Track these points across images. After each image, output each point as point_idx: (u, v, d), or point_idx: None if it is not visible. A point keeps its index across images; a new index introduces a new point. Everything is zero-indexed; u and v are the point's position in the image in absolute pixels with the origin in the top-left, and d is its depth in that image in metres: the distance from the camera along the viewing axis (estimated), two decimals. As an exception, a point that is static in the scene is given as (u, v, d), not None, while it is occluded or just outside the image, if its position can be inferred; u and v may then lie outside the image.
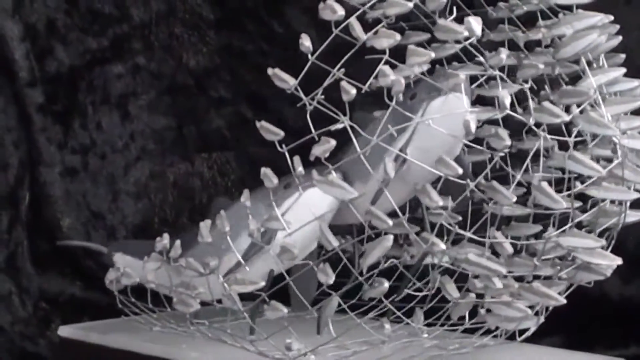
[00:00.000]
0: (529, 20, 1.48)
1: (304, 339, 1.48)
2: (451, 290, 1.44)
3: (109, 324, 1.76)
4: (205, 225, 1.53)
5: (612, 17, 1.41)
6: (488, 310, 1.42)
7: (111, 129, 2.01)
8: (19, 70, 1.94)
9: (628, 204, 1.41)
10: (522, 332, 1.47)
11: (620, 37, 1.42)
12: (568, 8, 1.43)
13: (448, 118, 1.41)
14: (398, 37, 1.38)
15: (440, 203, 1.37)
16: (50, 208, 1.99)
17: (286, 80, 1.43)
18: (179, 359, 1.62)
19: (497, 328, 1.45)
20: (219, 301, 1.55)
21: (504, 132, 1.41)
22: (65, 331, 1.76)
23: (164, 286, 1.60)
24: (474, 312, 1.44)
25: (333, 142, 1.41)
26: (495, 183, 1.38)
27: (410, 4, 1.38)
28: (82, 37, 1.99)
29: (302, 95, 1.41)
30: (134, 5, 2.01)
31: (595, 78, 1.40)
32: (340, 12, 1.38)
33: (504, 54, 1.40)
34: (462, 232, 1.41)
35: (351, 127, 1.44)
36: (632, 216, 1.44)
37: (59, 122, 1.98)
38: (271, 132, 1.46)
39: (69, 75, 1.98)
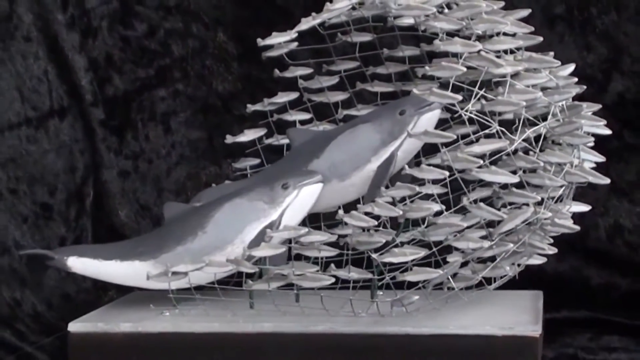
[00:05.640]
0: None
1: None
2: (544, 246, 1.54)
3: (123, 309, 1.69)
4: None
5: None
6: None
7: (156, 140, 2.10)
8: (85, 94, 2.08)
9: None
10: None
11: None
12: (512, 52, 1.53)
13: (428, 126, 1.59)
14: (525, 64, 1.46)
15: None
16: (109, 202, 2.09)
17: (451, 97, 1.46)
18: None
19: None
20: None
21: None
22: (76, 326, 1.62)
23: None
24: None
25: (502, 142, 1.43)
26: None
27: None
28: (133, 68, 2.09)
29: (458, 108, 1.47)
30: (174, 43, 2.07)
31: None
32: (504, 70, 1.45)
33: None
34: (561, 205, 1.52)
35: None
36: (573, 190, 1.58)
37: (115, 134, 2.10)
38: (447, 96, 1.45)
39: (123, 98, 2.09)
